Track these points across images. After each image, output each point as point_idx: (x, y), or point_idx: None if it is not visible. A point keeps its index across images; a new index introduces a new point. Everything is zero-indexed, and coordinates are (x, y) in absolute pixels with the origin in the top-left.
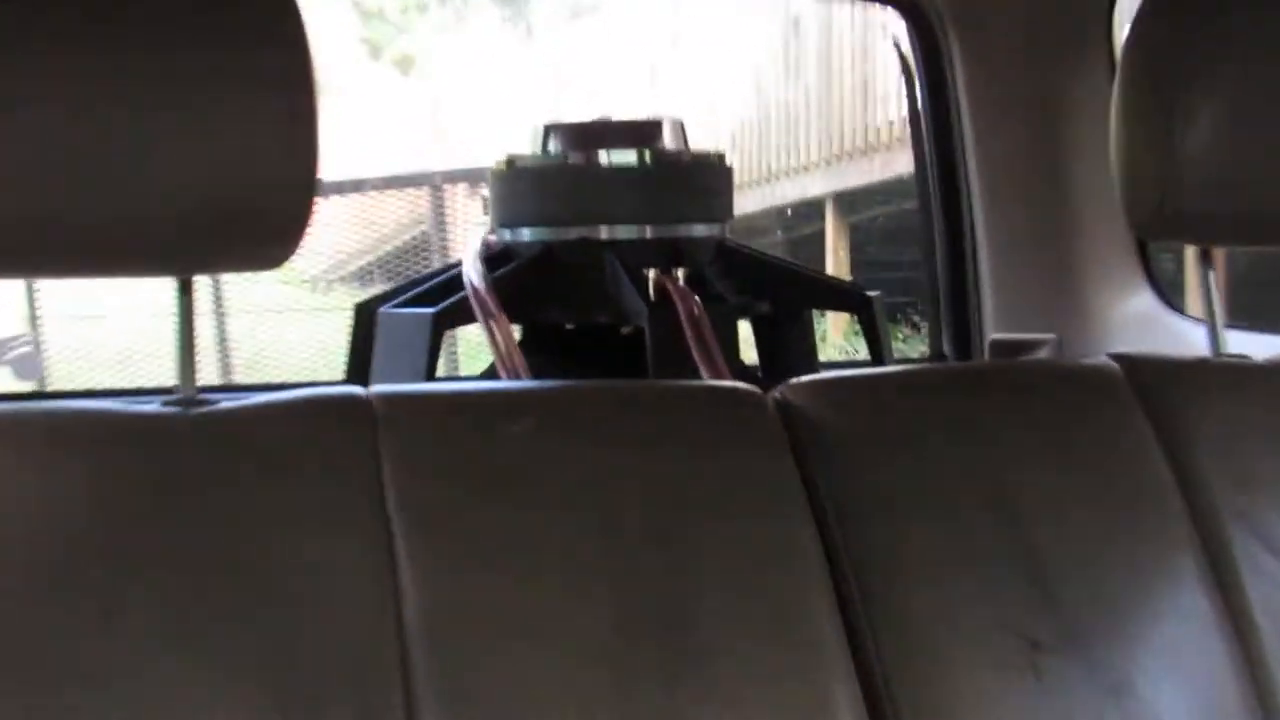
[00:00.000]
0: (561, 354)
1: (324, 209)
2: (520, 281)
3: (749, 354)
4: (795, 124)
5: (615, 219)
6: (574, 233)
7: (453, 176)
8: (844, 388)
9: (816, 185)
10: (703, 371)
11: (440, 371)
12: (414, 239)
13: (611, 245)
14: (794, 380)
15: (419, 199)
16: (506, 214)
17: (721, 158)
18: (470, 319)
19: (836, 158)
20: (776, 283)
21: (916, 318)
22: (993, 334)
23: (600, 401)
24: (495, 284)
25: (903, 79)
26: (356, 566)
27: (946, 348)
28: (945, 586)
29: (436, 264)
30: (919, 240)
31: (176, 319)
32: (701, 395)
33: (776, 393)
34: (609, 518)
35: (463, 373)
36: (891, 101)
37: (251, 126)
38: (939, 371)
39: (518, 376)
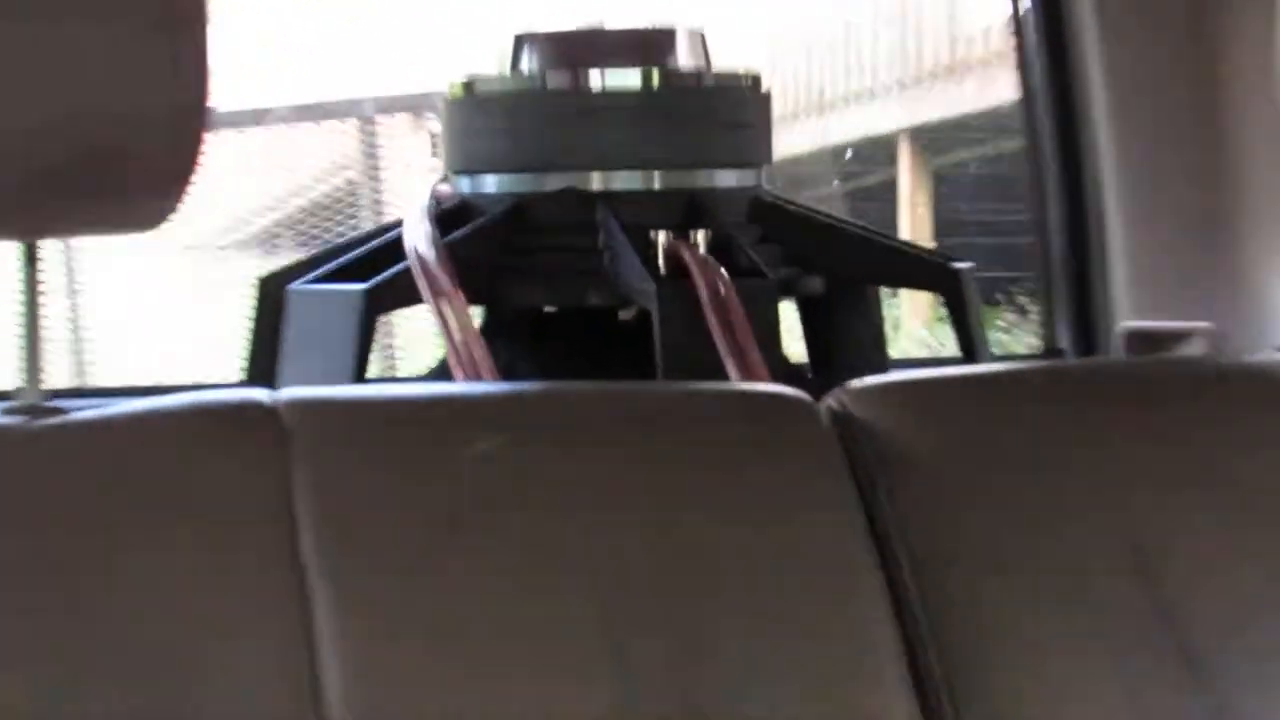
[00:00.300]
0: (539, 347)
1: (215, 150)
2: (483, 248)
3: (795, 347)
4: (856, 35)
5: (612, 163)
6: (556, 182)
7: (390, 105)
8: (922, 393)
9: (886, 117)
10: (731, 371)
11: (372, 371)
12: (336, 190)
13: (607, 199)
14: (855, 383)
15: (343, 135)
16: (464, 157)
17: (756, 80)
18: (414, 299)
19: (913, 80)
20: (832, 250)
21: (1024, 299)
22: (1125, 322)
23: (593, 412)
24: (449, 251)
25: None
26: (261, 635)
27: (1063, 340)
28: (1057, 655)
29: (368, 224)
30: (1027, 194)
31: (20, 299)
32: (731, 403)
33: (832, 399)
34: (609, 572)
35: (402, 373)
36: (988, 3)
37: (119, 40)
38: (1052, 372)
39: (480, 378)
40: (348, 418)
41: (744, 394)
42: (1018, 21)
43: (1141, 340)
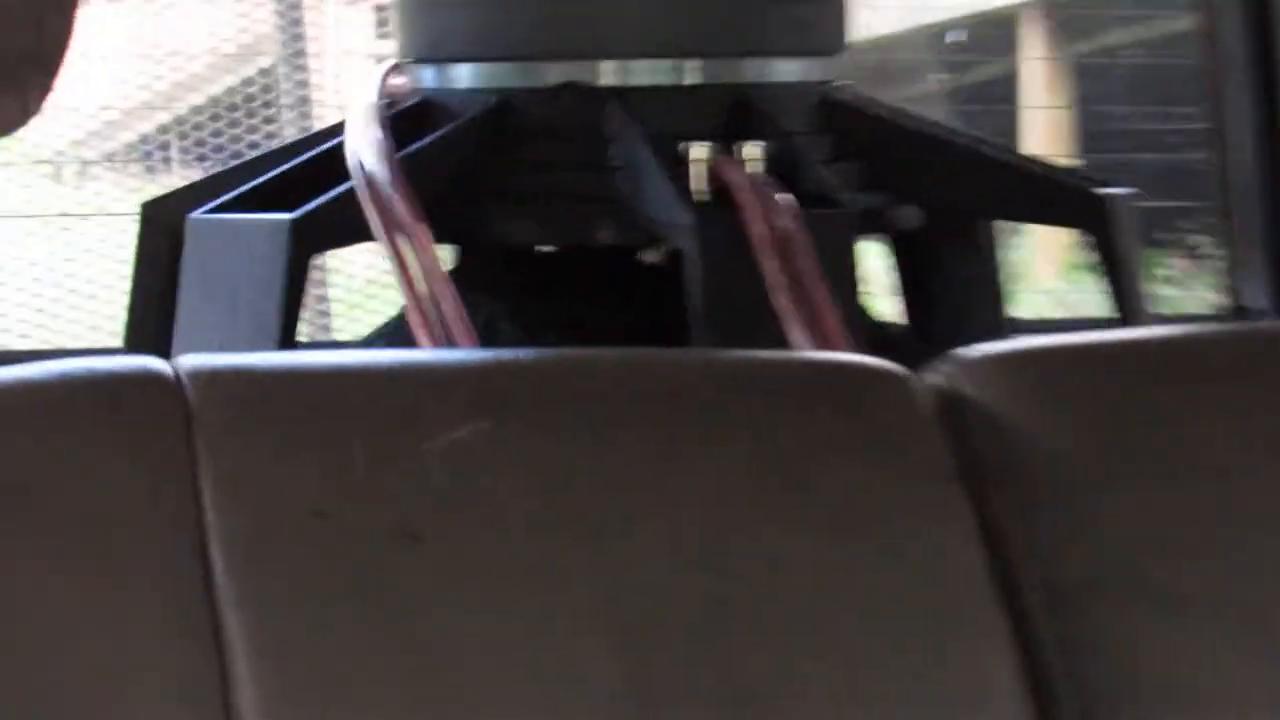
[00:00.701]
0: (530, 300)
1: (80, 27)
2: (454, 165)
3: (884, 302)
4: None
5: (629, 49)
6: (552, 74)
7: None
8: (1055, 366)
9: None
10: (795, 333)
11: (302, 335)
12: (248, 83)
13: (623, 99)
14: (965, 351)
15: (256, 7)
16: (426, 39)
17: None
18: (359, 234)
19: None
20: (932, 170)
21: (1199, 241)
22: None
23: (604, 389)
24: (407, 169)
25: None
26: (162, 681)
27: (1253, 295)
28: (1228, 710)
29: (291, 132)
30: (1204, 93)
31: None
32: (796, 377)
33: (934, 373)
34: (630, 603)
35: (341, 337)
36: None
37: None
38: (1236, 340)
39: (450, 341)
40: (272, 394)
41: (813, 365)
42: None
43: None
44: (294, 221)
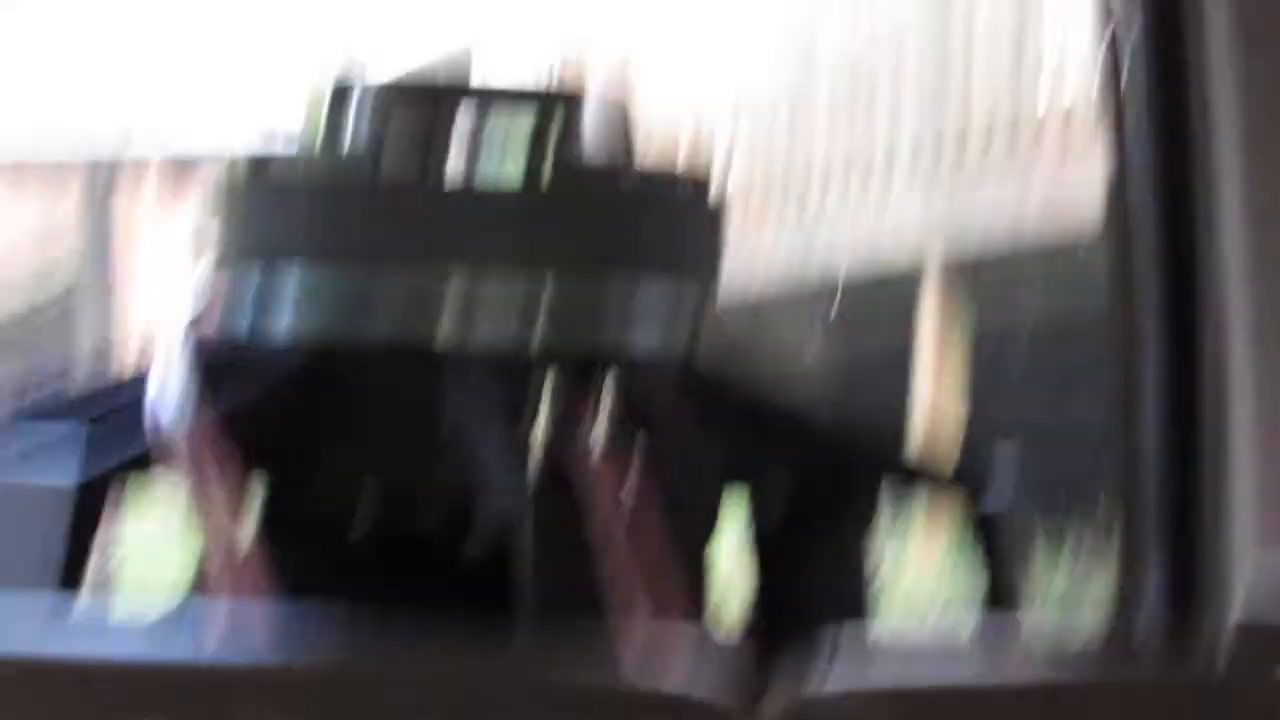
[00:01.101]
0: (347, 556)
1: None
2: (266, 419)
3: (738, 596)
4: (865, 99)
5: (469, 301)
6: (377, 330)
7: (139, 164)
8: (924, 707)
9: (907, 231)
10: (633, 627)
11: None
12: (40, 306)
13: (458, 360)
14: (813, 687)
15: (56, 202)
16: (243, 270)
17: (702, 184)
18: (159, 468)
19: (946, 173)
20: (799, 448)
21: (1102, 522)
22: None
23: (413, 703)
24: (214, 418)
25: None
26: None
27: (1147, 593)
28: None
29: (81, 356)
30: (1111, 353)
31: None
32: (624, 713)
33: (775, 709)
34: None
35: (131, 581)
36: (1067, 62)
37: None
38: (1098, 691)
39: (250, 601)
40: (23, 697)
41: (643, 700)
42: (1114, 81)
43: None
44: (79, 487)
